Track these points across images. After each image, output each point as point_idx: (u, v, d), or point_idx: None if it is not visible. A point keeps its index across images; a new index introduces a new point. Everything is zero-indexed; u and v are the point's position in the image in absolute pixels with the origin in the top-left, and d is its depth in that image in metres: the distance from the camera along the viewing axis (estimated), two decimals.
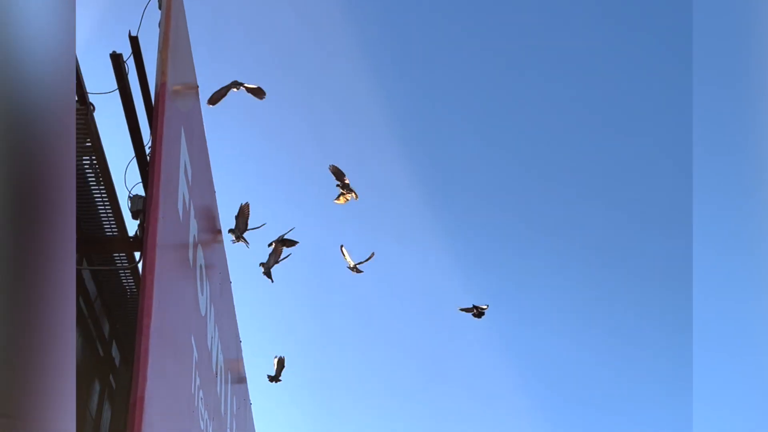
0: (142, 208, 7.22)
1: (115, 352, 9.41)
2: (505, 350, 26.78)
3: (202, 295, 8.07)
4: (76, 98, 7.24)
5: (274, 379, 11.83)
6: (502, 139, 23.62)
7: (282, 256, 9.83)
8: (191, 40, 8.20)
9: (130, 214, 7.41)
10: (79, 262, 7.96)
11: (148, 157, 7.55)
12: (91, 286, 8.50)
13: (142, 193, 7.58)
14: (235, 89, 9.02)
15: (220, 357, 9.24)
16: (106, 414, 9.23)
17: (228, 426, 9.75)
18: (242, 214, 9.45)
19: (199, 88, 8.57)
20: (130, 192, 7.56)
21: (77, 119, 6.97)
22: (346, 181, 9.66)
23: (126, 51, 7.21)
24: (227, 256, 10.12)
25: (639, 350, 25.98)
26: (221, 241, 9.70)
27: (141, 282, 5.97)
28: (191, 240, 7.58)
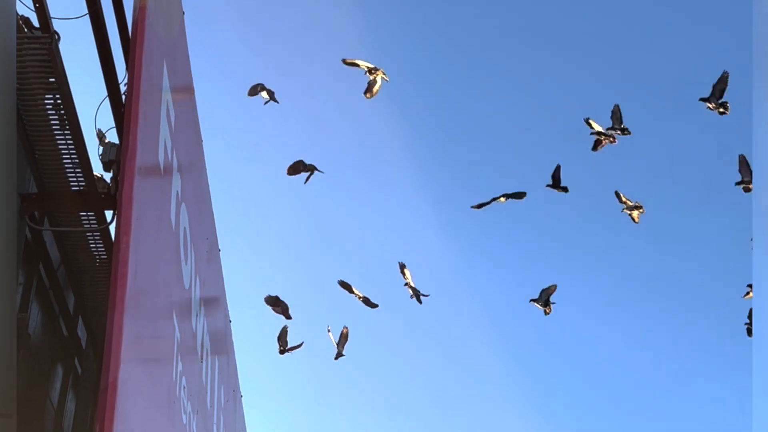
0: (115, 158, 7.21)
1: (81, 331, 9.31)
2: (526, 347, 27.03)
3: (186, 263, 7.95)
4: (38, 25, 7.14)
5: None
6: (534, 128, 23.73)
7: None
8: None
9: (101, 166, 7.38)
10: (39, 223, 7.83)
11: (123, 97, 7.42)
12: (53, 251, 8.34)
13: (115, 139, 7.47)
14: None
15: (207, 339, 9.14)
16: (70, 404, 9.15)
17: (214, 421, 9.68)
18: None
19: (185, 15, 8.42)
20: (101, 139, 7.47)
21: (38, 51, 6.94)
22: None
23: None
24: (216, 220, 10.02)
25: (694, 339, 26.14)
26: (209, 200, 9.59)
27: (114, 246, 5.90)
28: (174, 197, 7.46)
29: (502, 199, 12.12)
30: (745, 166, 11.60)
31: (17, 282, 7.47)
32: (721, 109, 11.31)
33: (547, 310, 12.35)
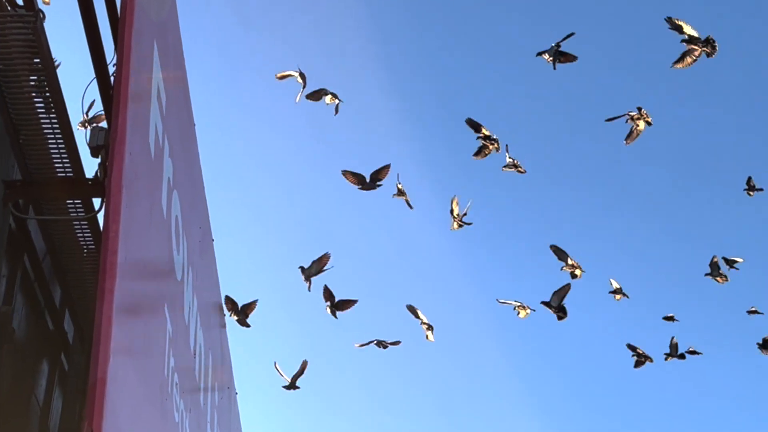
0: (104, 142, 7.14)
1: (68, 325, 9.26)
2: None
3: (179, 254, 7.87)
4: (21, 3, 7.08)
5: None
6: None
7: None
8: None
9: (88, 151, 7.30)
10: (23, 211, 7.76)
11: (111, 79, 7.36)
12: (38, 241, 8.27)
13: (103, 123, 7.41)
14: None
15: (200, 333, 9.09)
16: (57, 402, 9.10)
17: (208, 419, 9.63)
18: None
19: None
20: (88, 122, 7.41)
21: (22, 30, 6.88)
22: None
23: None
24: (209, 208, 9.96)
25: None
26: (202, 187, 9.54)
27: (102, 236, 5.80)
28: (165, 183, 7.37)
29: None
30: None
31: (1, 274, 7.42)
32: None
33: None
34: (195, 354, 8.80)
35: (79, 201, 8.05)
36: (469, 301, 26.74)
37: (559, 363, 27.18)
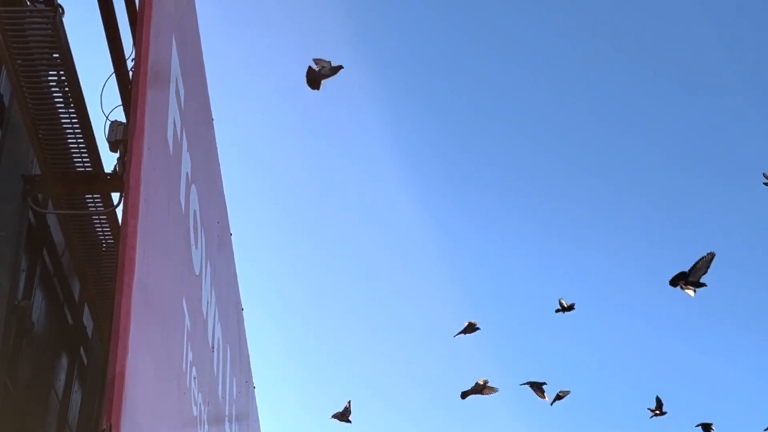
0: (122, 137, 7.15)
1: (87, 319, 9.32)
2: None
3: (197, 248, 7.88)
4: None
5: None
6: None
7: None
8: None
9: (107, 146, 7.32)
10: (42, 206, 7.80)
11: (130, 74, 7.33)
12: (57, 235, 8.31)
13: (122, 118, 7.44)
14: None
15: (218, 327, 9.08)
16: (76, 395, 9.13)
17: (226, 412, 9.63)
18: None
19: None
20: (107, 117, 7.44)
21: (42, 25, 6.90)
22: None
23: None
24: (227, 203, 9.97)
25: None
26: (220, 182, 9.53)
27: (121, 230, 5.86)
28: (184, 178, 7.39)
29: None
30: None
31: (20, 268, 7.45)
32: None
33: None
34: (213, 348, 8.81)
35: (97, 196, 8.07)
36: (463, 296, 26.77)
37: (553, 359, 27.05)
